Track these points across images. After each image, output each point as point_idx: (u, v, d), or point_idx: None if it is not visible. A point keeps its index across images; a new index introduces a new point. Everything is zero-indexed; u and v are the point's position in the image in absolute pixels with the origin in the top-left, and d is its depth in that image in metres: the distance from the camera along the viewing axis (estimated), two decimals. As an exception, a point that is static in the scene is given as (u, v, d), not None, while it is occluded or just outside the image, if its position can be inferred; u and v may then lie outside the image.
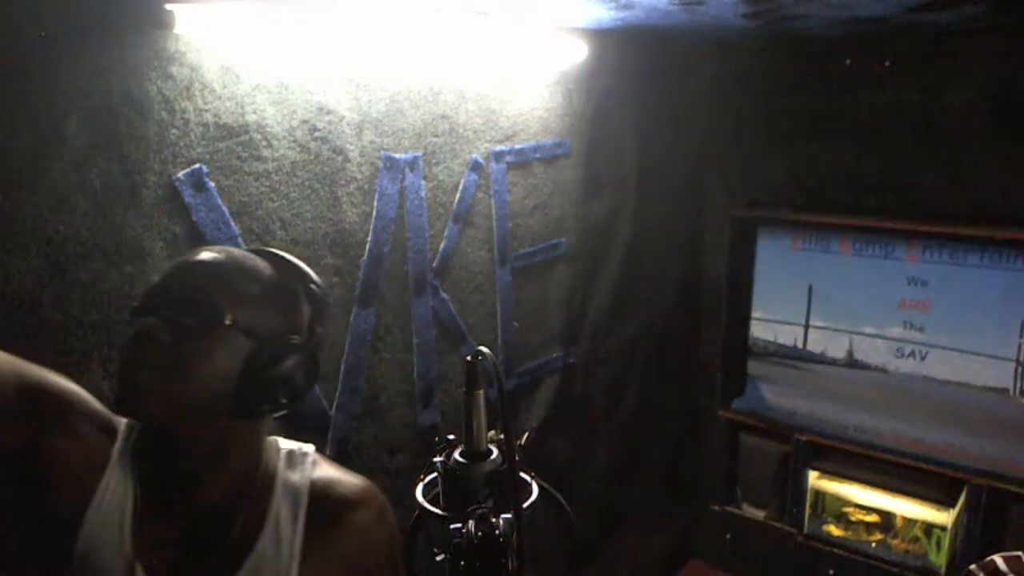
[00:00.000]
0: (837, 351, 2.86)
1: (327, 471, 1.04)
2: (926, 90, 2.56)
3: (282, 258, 1.01)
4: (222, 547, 0.97)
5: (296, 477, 1.02)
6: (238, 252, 0.99)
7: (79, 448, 0.95)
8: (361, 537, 1.00)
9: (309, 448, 1.06)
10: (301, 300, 0.99)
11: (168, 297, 0.92)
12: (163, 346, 0.89)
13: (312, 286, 1.01)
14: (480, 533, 0.78)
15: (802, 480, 2.90)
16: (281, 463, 1.03)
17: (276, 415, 0.98)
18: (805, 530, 2.92)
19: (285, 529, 0.99)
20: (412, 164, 1.89)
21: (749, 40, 2.72)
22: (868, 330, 2.78)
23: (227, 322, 0.90)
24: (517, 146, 2.20)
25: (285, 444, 1.06)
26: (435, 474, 0.88)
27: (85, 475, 0.95)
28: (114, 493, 0.96)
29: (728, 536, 3.17)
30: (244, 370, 0.92)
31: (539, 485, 0.90)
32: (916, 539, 2.78)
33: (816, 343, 2.90)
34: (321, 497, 1.01)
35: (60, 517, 0.95)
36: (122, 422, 1.00)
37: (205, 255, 0.95)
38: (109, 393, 1.36)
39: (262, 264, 0.98)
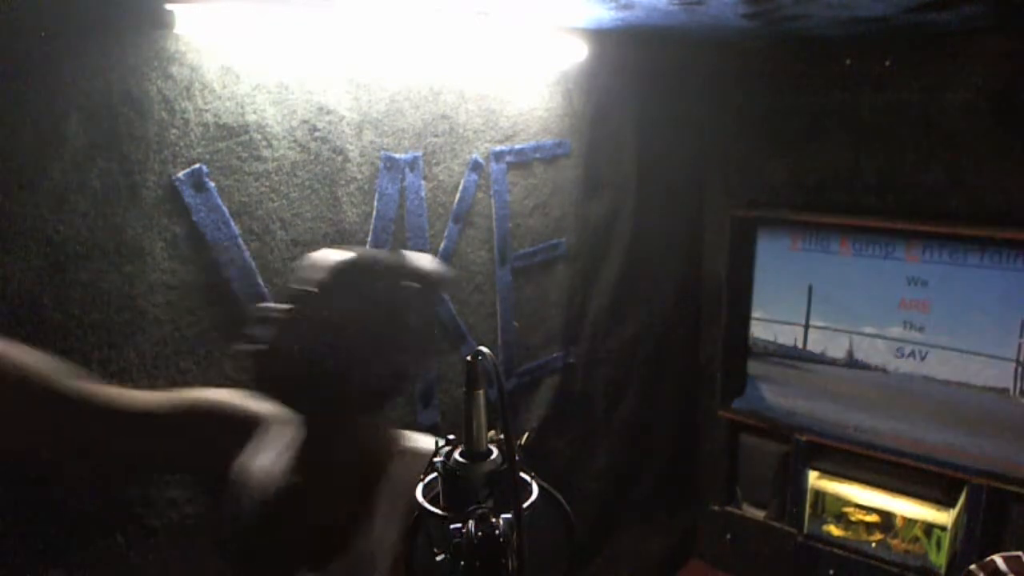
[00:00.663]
0: (837, 351, 2.86)
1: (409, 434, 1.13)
2: (926, 90, 2.56)
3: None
4: (351, 504, 1.06)
5: (404, 471, 1.07)
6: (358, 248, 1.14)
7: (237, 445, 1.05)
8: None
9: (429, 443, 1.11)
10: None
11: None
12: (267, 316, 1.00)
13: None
14: (480, 533, 0.78)
15: (802, 480, 2.90)
16: (395, 456, 1.10)
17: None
18: (805, 530, 2.92)
19: (386, 528, 1.06)
20: (412, 164, 1.89)
21: (749, 40, 2.73)
22: (868, 330, 2.78)
23: (310, 300, 1.00)
24: (517, 146, 2.20)
25: (411, 438, 1.14)
26: (435, 474, 0.88)
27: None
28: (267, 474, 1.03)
29: (728, 536, 3.17)
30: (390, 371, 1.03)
31: (539, 485, 0.90)
32: (916, 539, 2.78)
33: (816, 343, 2.90)
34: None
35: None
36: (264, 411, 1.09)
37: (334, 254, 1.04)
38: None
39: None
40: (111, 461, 1.05)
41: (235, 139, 1.52)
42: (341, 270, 1.03)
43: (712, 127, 3.04)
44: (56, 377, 0.97)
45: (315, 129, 1.67)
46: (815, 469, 2.89)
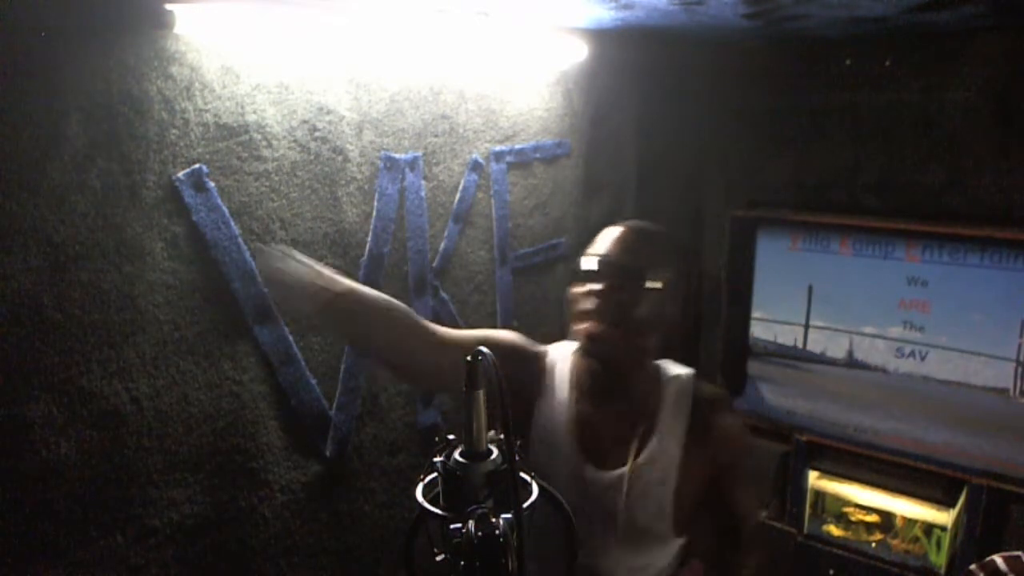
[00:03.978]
0: (837, 351, 2.86)
1: (701, 385, 1.45)
2: (926, 90, 2.56)
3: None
4: (629, 437, 1.38)
5: (677, 388, 1.42)
6: (643, 224, 1.47)
7: (529, 377, 1.44)
8: (726, 438, 1.41)
9: (689, 369, 1.48)
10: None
11: (622, 263, 1.33)
12: (624, 303, 1.31)
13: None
14: (480, 533, 0.78)
15: (802, 480, 2.90)
16: (669, 378, 1.44)
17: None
18: (805, 530, 2.92)
19: (673, 426, 1.39)
20: (412, 164, 1.89)
21: (749, 40, 2.72)
22: (868, 330, 2.78)
23: (667, 281, 1.34)
24: (517, 146, 2.20)
25: (671, 366, 1.47)
26: (435, 474, 0.88)
27: (533, 388, 1.44)
28: (559, 400, 1.41)
29: (728, 536, 3.16)
30: (660, 312, 1.36)
31: (539, 485, 0.90)
32: (916, 539, 2.78)
33: (816, 343, 2.90)
34: (699, 403, 1.41)
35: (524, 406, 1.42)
36: (549, 354, 1.48)
37: (616, 228, 1.42)
38: (110, 395, 1.36)
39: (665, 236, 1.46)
40: (445, 380, 1.38)
41: (235, 139, 1.52)
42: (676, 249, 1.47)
43: (712, 127, 3.04)
44: (420, 322, 1.37)
45: (315, 129, 1.67)
46: (815, 469, 2.89)
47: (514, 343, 1.46)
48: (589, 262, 1.35)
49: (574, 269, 1.39)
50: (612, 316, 1.30)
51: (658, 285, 1.32)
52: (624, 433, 1.38)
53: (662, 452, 1.37)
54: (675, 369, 1.47)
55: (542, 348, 1.49)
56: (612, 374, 1.38)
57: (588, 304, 1.33)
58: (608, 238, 1.39)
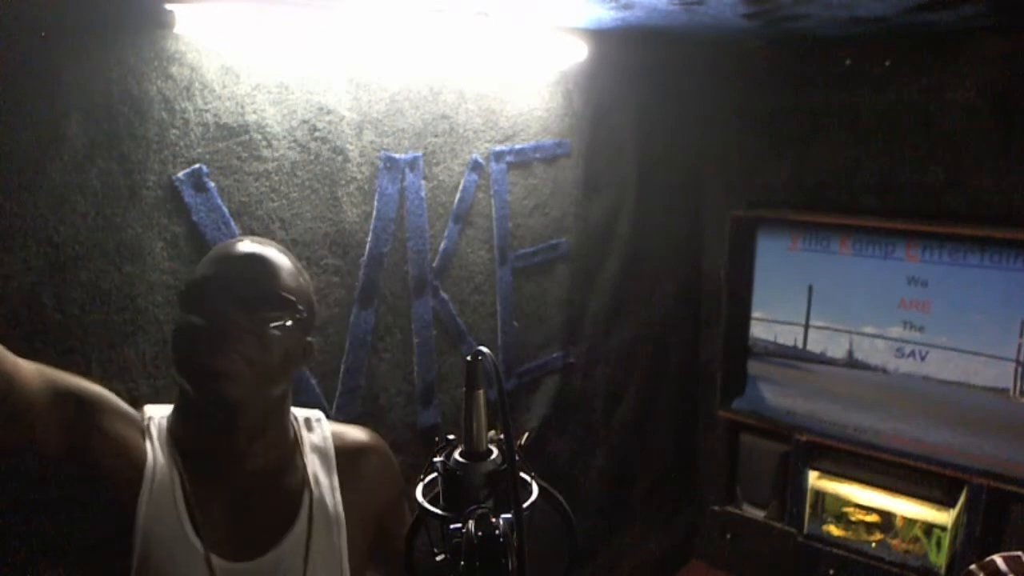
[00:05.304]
0: (837, 351, 2.86)
1: (336, 427, 1.23)
2: (926, 90, 2.56)
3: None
4: (273, 508, 1.10)
5: (317, 438, 1.19)
6: (275, 245, 1.14)
7: (117, 445, 1.02)
8: (379, 475, 1.22)
9: (318, 412, 1.24)
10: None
11: (238, 288, 1.03)
12: (245, 334, 1.01)
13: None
14: (480, 533, 0.78)
15: (802, 480, 2.90)
16: (302, 427, 1.19)
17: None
18: (805, 530, 2.92)
19: (324, 482, 1.15)
20: (412, 164, 1.90)
21: (749, 40, 2.73)
22: (868, 330, 2.78)
23: (297, 311, 1.07)
24: (517, 146, 2.20)
25: (298, 412, 1.21)
26: (435, 474, 0.88)
27: (127, 469, 1.03)
28: (161, 479, 1.04)
29: (728, 536, 3.17)
30: (299, 348, 1.10)
31: (539, 485, 0.90)
32: (916, 539, 2.78)
33: (816, 343, 2.90)
34: (341, 450, 1.19)
35: (112, 510, 1.03)
36: (146, 414, 1.10)
37: (260, 249, 1.09)
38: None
39: (291, 257, 1.14)
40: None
41: (235, 139, 1.52)
42: None
43: (712, 127, 3.04)
44: None
45: (315, 129, 1.67)
46: (815, 469, 2.89)
47: (110, 399, 1.06)
48: (198, 287, 1.05)
49: (181, 294, 1.07)
50: (240, 350, 1.01)
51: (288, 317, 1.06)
52: (264, 505, 1.09)
53: (324, 516, 1.13)
54: (303, 414, 1.22)
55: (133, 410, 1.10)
56: (236, 428, 1.07)
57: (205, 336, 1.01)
58: (235, 257, 1.08)
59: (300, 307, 1.08)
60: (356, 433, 1.24)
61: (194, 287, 1.05)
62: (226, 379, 1.00)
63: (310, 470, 1.15)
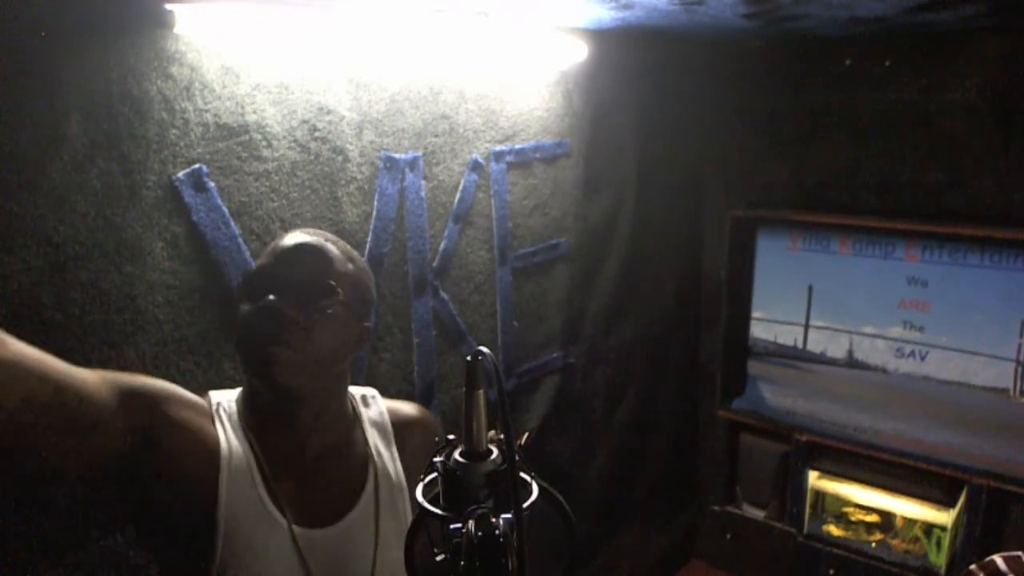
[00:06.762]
0: (837, 351, 2.86)
1: (390, 403, 1.29)
2: (926, 90, 2.56)
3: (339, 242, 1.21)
4: (341, 479, 1.16)
5: (375, 413, 1.25)
6: (324, 235, 1.17)
7: (190, 434, 1.05)
8: (429, 446, 1.18)
9: (372, 390, 1.30)
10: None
11: (284, 277, 1.08)
12: (294, 321, 1.05)
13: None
14: (480, 533, 0.78)
15: (802, 480, 2.90)
16: (359, 404, 1.25)
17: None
18: (805, 530, 2.92)
19: (384, 453, 1.22)
20: (412, 164, 1.90)
21: (749, 40, 2.73)
22: (868, 330, 2.78)
23: (340, 297, 1.10)
24: (517, 146, 2.20)
25: (354, 390, 1.26)
26: (435, 474, 0.88)
27: (204, 454, 1.06)
28: (238, 461, 1.08)
29: (728, 536, 3.17)
30: (352, 333, 1.14)
31: (539, 485, 0.90)
32: (916, 539, 2.78)
33: (816, 343, 2.90)
34: (396, 423, 1.25)
35: (195, 499, 1.04)
36: (212, 400, 1.13)
37: (307, 239, 1.13)
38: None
39: (341, 245, 1.18)
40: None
41: (235, 139, 1.52)
42: None
43: (712, 127, 3.04)
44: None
45: (315, 129, 1.67)
46: (815, 469, 2.90)
47: (176, 390, 1.09)
48: (249, 278, 1.10)
49: (238, 286, 1.11)
50: (287, 339, 1.05)
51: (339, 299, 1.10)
52: (333, 476, 1.15)
53: (388, 484, 1.19)
54: (359, 391, 1.27)
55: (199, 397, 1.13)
56: (298, 410, 1.12)
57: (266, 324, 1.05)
58: (284, 248, 1.12)
59: (343, 292, 1.11)
60: (407, 408, 1.31)
61: (247, 278, 1.11)
62: (276, 365, 1.04)
63: (371, 443, 1.21)
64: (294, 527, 1.09)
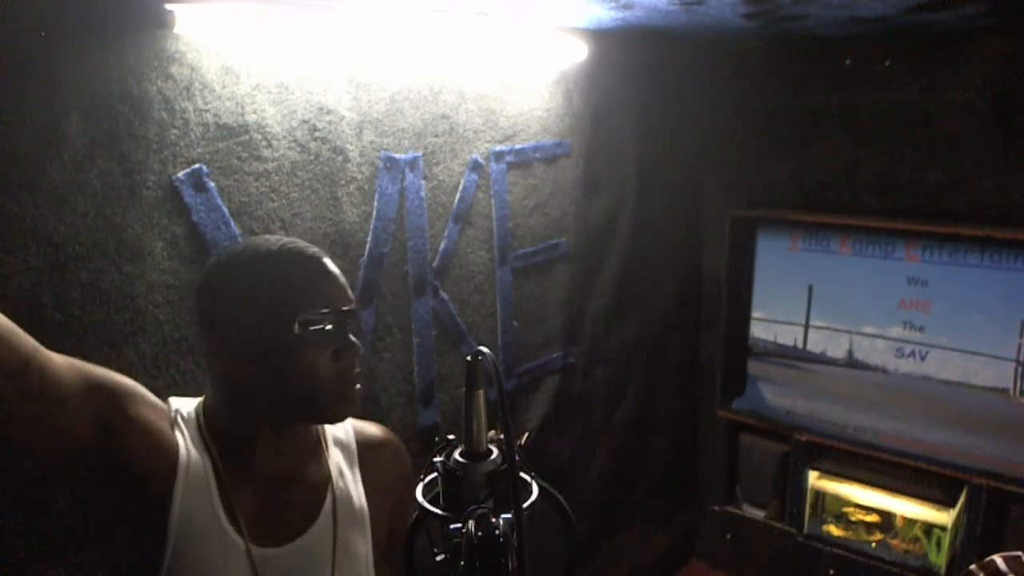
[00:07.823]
0: (837, 351, 2.86)
1: (355, 423, 1.25)
2: (926, 90, 2.56)
3: None
4: (300, 498, 1.13)
5: (339, 432, 1.22)
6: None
7: (150, 436, 1.03)
8: (394, 470, 1.25)
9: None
10: None
11: (339, 300, 1.07)
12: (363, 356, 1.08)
13: None
14: (480, 533, 0.78)
15: (802, 480, 2.91)
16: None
17: None
18: (805, 530, 2.92)
19: (347, 474, 1.19)
20: (412, 164, 1.90)
21: (749, 40, 2.73)
22: (868, 330, 2.78)
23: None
24: (517, 146, 2.20)
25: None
26: (435, 474, 0.88)
27: (160, 460, 1.03)
28: (195, 471, 1.05)
29: (728, 536, 3.17)
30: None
31: (539, 485, 0.90)
32: (916, 539, 2.78)
33: (816, 343, 2.90)
34: (361, 444, 1.22)
35: (147, 503, 1.02)
36: (172, 406, 1.10)
37: (312, 250, 1.10)
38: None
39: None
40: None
41: (235, 139, 1.52)
42: None
43: (712, 127, 3.04)
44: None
45: (315, 129, 1.67)
46: (815, 469, 2.90)
47: (141, 390, 1.06)
48: (337, 315, 1.06)
49: (308, 329, 1.03)
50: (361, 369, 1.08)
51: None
52: (292, 494, 1.12)
53: (348, 504, 1.17)
54: None
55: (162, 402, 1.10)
56: (268, 426, 1.10)
57: (351, 362, 1.06)
58: (328, 278, 1.08)
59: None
60: (373, 429, 1.27)
61: (308, 317, 1.04)
62: (356, 404, 1.08)
63: (333, 463, 1.18)
64: (249, 544, 1.06)
